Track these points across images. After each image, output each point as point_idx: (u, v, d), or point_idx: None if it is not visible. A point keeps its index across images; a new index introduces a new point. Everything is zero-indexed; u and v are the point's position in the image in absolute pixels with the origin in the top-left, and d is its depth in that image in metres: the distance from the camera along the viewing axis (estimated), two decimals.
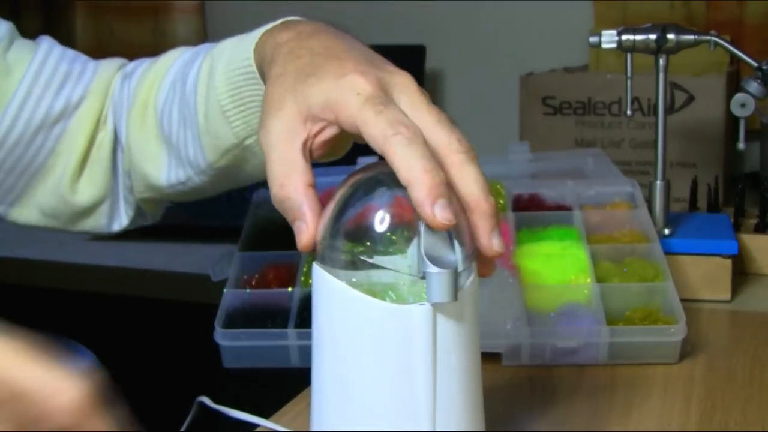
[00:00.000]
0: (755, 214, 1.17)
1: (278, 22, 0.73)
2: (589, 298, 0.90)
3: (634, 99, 1.38)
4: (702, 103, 1.41)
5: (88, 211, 0.91)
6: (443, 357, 0.55)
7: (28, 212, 0.90)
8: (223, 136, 0.79)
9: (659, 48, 1.04)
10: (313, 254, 0.59)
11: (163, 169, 0.85)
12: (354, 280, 0.56)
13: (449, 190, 0.56)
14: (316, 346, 0.58)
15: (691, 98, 1.41)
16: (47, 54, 0.88)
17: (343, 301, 0.56)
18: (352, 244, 0.56)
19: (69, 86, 0.88)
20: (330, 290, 0.57)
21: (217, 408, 0.81)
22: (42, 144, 0.87)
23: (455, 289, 0.54)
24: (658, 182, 1.08)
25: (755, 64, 1.02)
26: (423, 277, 0.54)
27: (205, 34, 2.11)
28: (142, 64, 0.90)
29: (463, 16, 1.90)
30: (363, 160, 0.88)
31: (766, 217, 1.15)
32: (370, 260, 0.56)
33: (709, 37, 1.04)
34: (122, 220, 0.93)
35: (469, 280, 0.57)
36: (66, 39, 2.07)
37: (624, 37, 1.05)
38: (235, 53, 0.76)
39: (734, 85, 1.42)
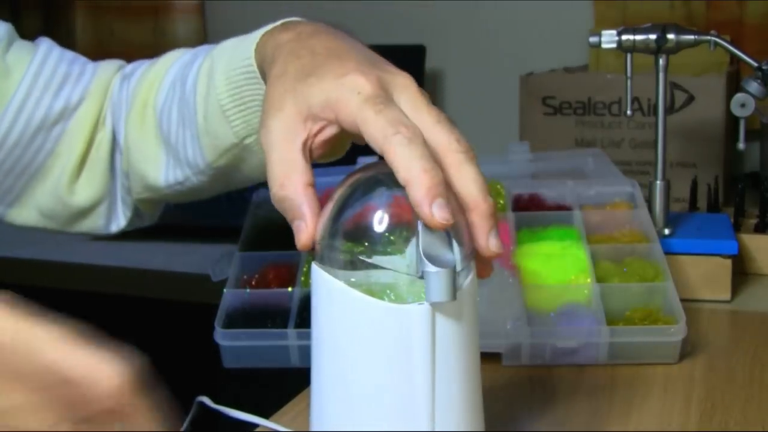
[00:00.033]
0: (755, 214, 1.17)
1: (279, 22, 0.73)
2: (589, 298, 0.90)
3: (634, 99, 1.38)
4: (702, 103, 1.41)
5: (85, 212, 0.91)
6: (442, 356, 0.55)
7: (26, 213, 0.90)
8: (222, 135, 0.79)
9: (659, 48, 1.04)
10: (313, 254, 0.59)
11: (161, 169, 0.86)
12: (353, 279, 0.56)
13: (448, 190, 0.56)
14: (316, 346, 0.58)
15: (691, 98, 1.41)
16: (46, 55, 0.88)
17: (342, 301, 0.56)
18: (351, 244, 0.57)
19: (68, 87, 0.88)
20: (329, 290, 0.57)
21: (217, 408, 0.81)
22: (41, 145, 0.87)
23: (454, 288, 0.54)
24: (658, 182, 1.08)
25: (755, 64, 1.02)
26: (421, 277, 0.54)
27: (205, 34, 2.11)
28: (141, 66, 0.90)
29: (463, 16, 1.90)
30: (363, 160, 0.88)
31: (766, 217, 1.15)
32: (369, 260, 0.56)
33: (709, 37, 1.04)
34: (120, 221, 0.93)
35: (467, 280, 0.57)
36: (66, 39, 2.08)
37: (624, 37, 1.05)
38: (235, 53, 0.76)
39: (734, 85, 1.41)
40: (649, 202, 1.06)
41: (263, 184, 0.73)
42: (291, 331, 0.88)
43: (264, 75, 0.72)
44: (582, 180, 1.05)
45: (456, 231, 0.56)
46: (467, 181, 0.58)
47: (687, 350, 0.88)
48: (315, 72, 0.62)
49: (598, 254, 0.95)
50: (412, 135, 0.56)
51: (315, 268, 0.58)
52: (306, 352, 0.60)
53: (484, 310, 0.80)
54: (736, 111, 1.03)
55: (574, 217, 0.99)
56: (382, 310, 0.55)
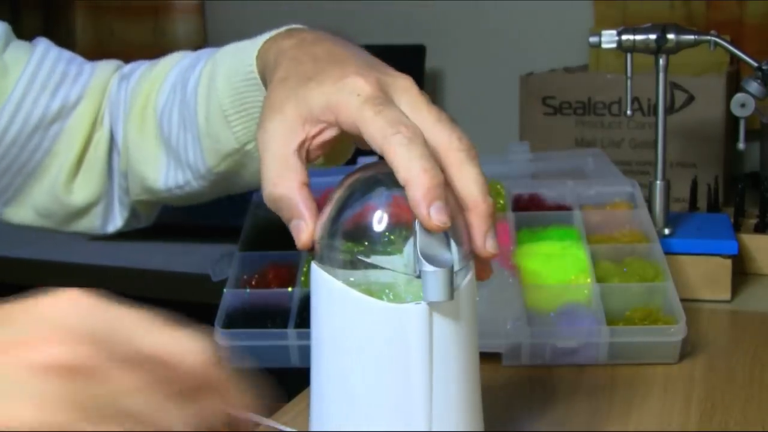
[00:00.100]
0: (755, 214, 1.17)
1: (282, 29, 0.74)
2: (589, 298, 0.90)
3: (634, 99, 1.38)
4: (702, 103, 1.41)
5: (82, 211, 0.91)
6: (440, 356, 0.55)
7: (23, 212, 0.90)
8: (223, 140, 0.79)
9: (659, 48, 1.04)
10: (312, 254, 0.59)
11: (161, 171, 0.85)
12: (352, 279, 0.56)
13: (447, 190, 0.56)
14: (315, 346, 0.58)
15: (691, 98, 1.41)
16: (44, 55, 0.88)
17: (340, 301, 0.56)
18: (351, 244, 0.57)
19: (66, 87, 0.88)
20: (328, 290, 0.57)
21: None
22: (38, 143, 0.87)
23: (451, 288, 0.54)
24: (658, 182, 1.08)
25: (755, 64, 1.02)
26: (419, 276, 0.54)
27: (205, 34, 2.11)
28: (140, 67, 0.90)
29: (463, 16, 1.90)
30: (363, 161, 0.88)
31: (766, 217, 1.15)
32: (368, 260, 0.56)
33: (709, 37, 1.04)
34: (117, 222, 0.93)
35: (465, 280, 0.57)
36: (66, 39, 2.08)
37: (624, 37, 1.05)
38: (237, 59, 0.77)
39: (734, 85, 1.41)
40: (649, 202, 1.06)
41: None
42: (291, 331, 0.88)
43: (265, 81, 0.72)
44: (582, 180, 1.05)
45: (455, 231, 0.56)
46: (468, 181, 0.58)
47: (687, 350, 0.88)
48: (316, 77, 0.62)
49: (598, 254, 0.95)
50: (411, 135, 0.56)
51: (314, 267, 0.58)
52: (306, 352, 0.60)
53: (484, 310, 0.80)
54: (736, 111, 1.03)
55: (574, 217, 0.99)
56: (379, 309, 0.55)
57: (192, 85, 0.82)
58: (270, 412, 0.76)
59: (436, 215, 0.54)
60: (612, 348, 0.86)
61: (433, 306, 0.55)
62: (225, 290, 0.92)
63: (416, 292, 0.55)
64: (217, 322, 0.89)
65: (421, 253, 0.54)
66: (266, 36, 0.74)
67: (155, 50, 0.92)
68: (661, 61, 1.05)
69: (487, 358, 0.80)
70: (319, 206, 0.60)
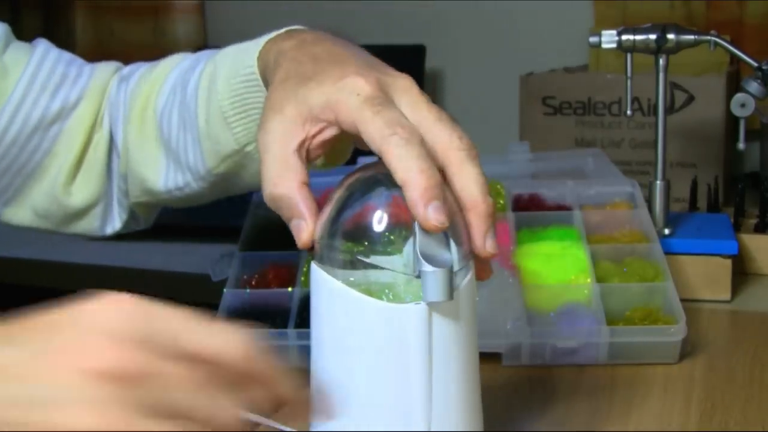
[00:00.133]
0: (755, 214, 1.17)
1: (282, 30, 0.74)
2: (589, 298, 0.90)
3: (634, 99, 1.38)
4: (702, 103, 1.41)
5: (81, 213, 0.91)
6: (439, 356, 0.55)
7: (22, 213, 0.90)
8: (224, 141, 0.79)
9: (659, 48, 1.04)
10: (312, 254, 0.59)
11: (161, 173, 0.85)
12: (352, 279, 0.56)
13: (446, 190, 0.56)
14: (315, 346, 0.59)
15: (691, 98, 1.41)
16: (43, 56, 0.88)
17: (340, 301, 0.56)
18: (350, 244, 0.57)
19: (65, 88, 0.88)
20: (328, 290, 0.57)
21: None
22: (38, 144, 0.87)
23: (450, 288, 0.54)
24: (658, 182, 1.07)
25: (755, 64, 1.02)
26: (419, 276, 0.54)
27: (205, 34, 2.11)
28: (140, 68, 0.90)
29: (463, 16, 1.90)
30: (363, 161, 0.88)
31: (766, 217, 1.15)
32: (367, 260, 0.56)
33: (709, 37, 1.04)
34: (115, 224, 0.93)
35: (465, 280, 0.57)
36: (66, 39, 2.08)
37: (624, 37, 1.05)
38: (238, 60, 0.77)
39: (734, 85, 1.41)
40: (649, 202, 1.06)
41: None
42: (291, 331, 0.88)
43: (266, 82, 0.72)
44: (582, 180, 1.05)
45: (454, 230, 0.56)
46: (468, 181, 0.58)
47: (687, 350, 0.88)
48: (316, 76, 0.62)
49: (598, 254, 0.95)
50: (409, 135, 0.56)
51: (314, 267, 0.58)
52: (306, 352, 0.60)
53: (484, 310, 0.80)
54: (736, 111, 1.03)
55: (574, 217, 0.99)
56: (378, 309, 0.55)
57: (192, 87, 0.82)
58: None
59: (433, 215, 0.54)
60: (612, 348, 0.86)
61: (432, 306, 0.55)
62: (225, 290, 0.92)
63: (416, 292, 0.55)
64: None
65: (420, 253, 0.54)
66: (266, 37, 0.75)
67: (155, 50, 0.92)
68: (661, 61, 1.05)
69: (487, 358, 0.80)
70: (319, 206, 0.60)
